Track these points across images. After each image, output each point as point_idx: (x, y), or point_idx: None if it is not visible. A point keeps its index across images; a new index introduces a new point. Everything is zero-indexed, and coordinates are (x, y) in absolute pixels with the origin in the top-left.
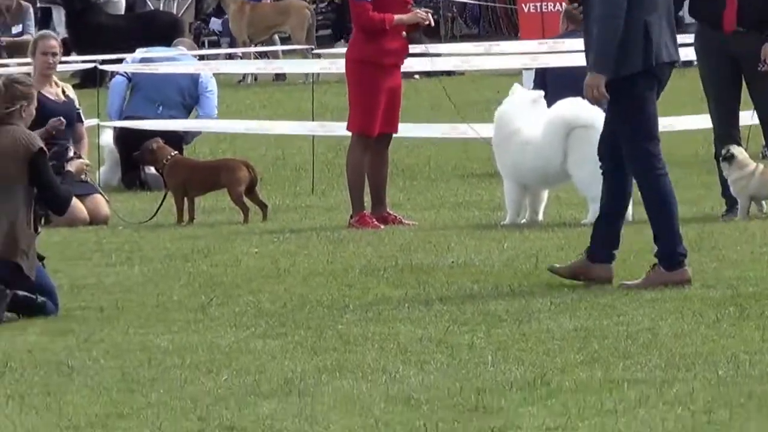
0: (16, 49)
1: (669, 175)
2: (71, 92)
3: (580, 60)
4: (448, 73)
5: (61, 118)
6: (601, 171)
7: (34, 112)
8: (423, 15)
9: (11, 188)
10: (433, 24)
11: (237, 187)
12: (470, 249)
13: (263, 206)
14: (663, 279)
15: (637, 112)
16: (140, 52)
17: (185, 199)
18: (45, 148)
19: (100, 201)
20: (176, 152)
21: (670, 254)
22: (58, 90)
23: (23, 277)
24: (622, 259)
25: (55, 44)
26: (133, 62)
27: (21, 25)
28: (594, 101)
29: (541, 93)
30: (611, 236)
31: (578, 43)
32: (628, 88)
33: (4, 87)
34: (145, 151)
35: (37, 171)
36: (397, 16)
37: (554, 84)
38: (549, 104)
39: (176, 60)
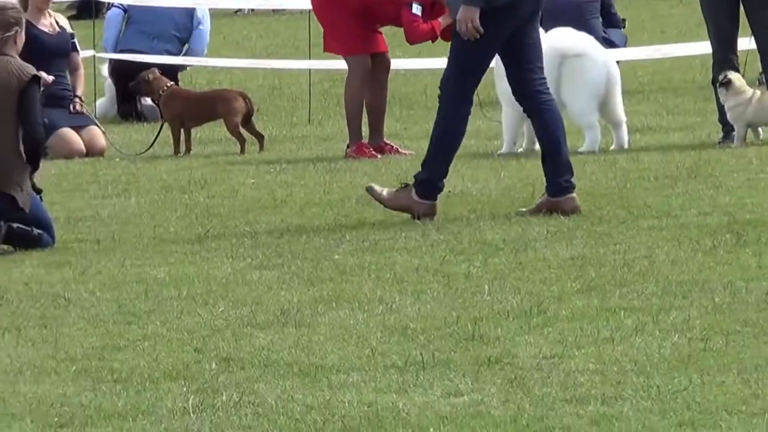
0: None
1: (467, 121)
2: (64, 22)
3: None
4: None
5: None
6: (526, 114)
7: (24, 37)
8: None
9: (4, 118)
10: None
11: (233, 117)
12: (467, 178)
13: (260, 137)
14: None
15: (480, 47)
16: None
17: (182, 129)
18: (38, 75)
19: (96, 132)
20: (172, 83)
21: (427, 184)
22: (51, 20)
23: (18, 209)
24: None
25: None
26: None
27: None
28: (467, 35)
29: None
30: (562, 167)
31: None
32: (487, 21)
33: None
34: (140, 82)
35: (23, 99)
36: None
37: (548, 10)
38: (544, 29)
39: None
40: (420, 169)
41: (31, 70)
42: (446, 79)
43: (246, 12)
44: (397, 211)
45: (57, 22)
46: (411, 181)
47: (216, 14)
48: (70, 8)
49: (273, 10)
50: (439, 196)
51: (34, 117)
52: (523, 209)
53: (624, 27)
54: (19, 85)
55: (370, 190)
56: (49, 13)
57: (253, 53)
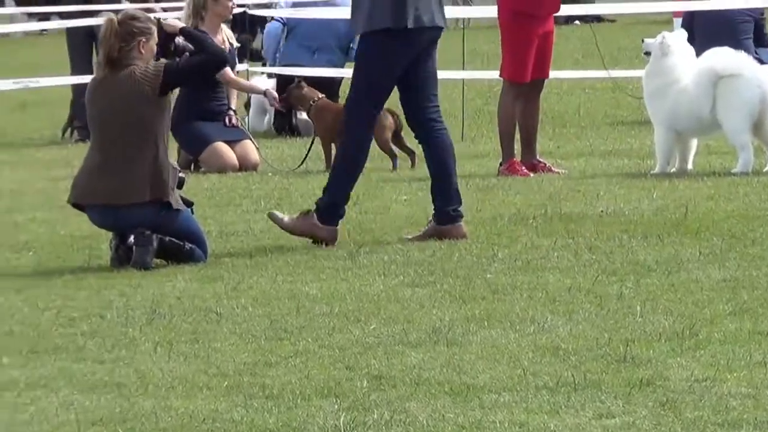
0: None
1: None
2: (233, 40)
3: (728, 5)
4: (598, 20)
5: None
6: (417, 140)
7: (155, 47)
8: None
9: (147, 130)
10: None
11: (383, 134)
12: (619, 198)
13: (411, 153)
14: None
15: (380, 74)
16: None
17: (333, 144)
18: (166, 61)
19: (249, 147)
20: (323, 96)
21: (329, 208)
22: (223, 36)
23: (172, 218)
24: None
25: None
26: (286, 6)
27: None
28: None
29: (684, 34)
30: (451, 196)
31: None
32: (380, 45)
33: (119, 24)
34: (289, 95)
35: (175, 76)
36: None
37: (702, 30)
38: (696, 50)
39: (331, 4)
40: (322, 193)
41: (160, 63)
42: (350, 103)
43: None
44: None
45: (228, 38)
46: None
47: None
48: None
49: None
50: (340, 221)
51: (192, 65)
52: (409, 236)
53: None
54: (153, 88)
55: (271, 216)
56: (222, 27)
57: None
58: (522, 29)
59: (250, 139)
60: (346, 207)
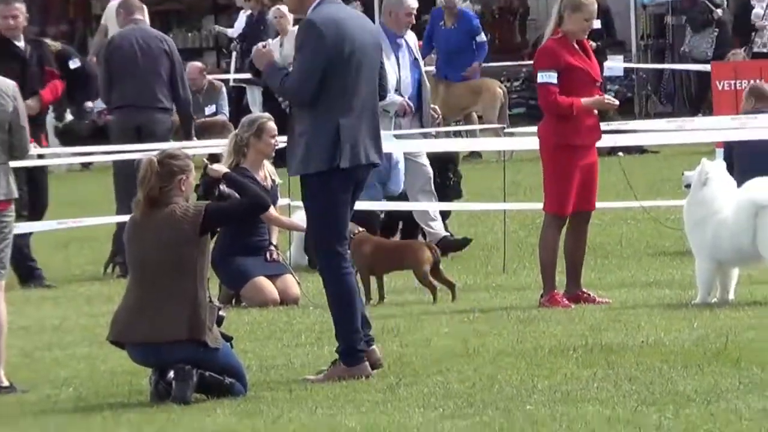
0: (206, 129)
1: (353, 275)
2: (276, 176)
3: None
4: (641, 152)
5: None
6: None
7: (193, 182)
8: (609, 99)
9: (187, 269)
10: (617, 104)
11: (422, 267)
12: (660, 328)
13: (451, 285)
14: (343, 374)
15: (325, 211)
16: None
17: (373, 277)
18: (207, 202)
19: (290, 281)
20: (362, 229)
21: (349, 351)
22: (265, 172)
23: (211, 354)
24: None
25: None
26: None
27: (214, 105)
28: None
29: (723, 164)
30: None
31: None
32: (319, 185)
33: (159, 164)
34: None
35: (215, 220)
36: (584, 100)
37: (742, 160)
38: (737, 180)
39: None
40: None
41: (200, 204)
42: (315, 245)
43: None
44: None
45: (270, 174)
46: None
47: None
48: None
49: (468, 155)
50: (369, 348)
51: (232, 210)
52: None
53: None
54: (194, 226)
55: (306, 381)
56: (264, 163)
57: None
58: (563, 161)
59: (291, 273)
60: (366, 334)
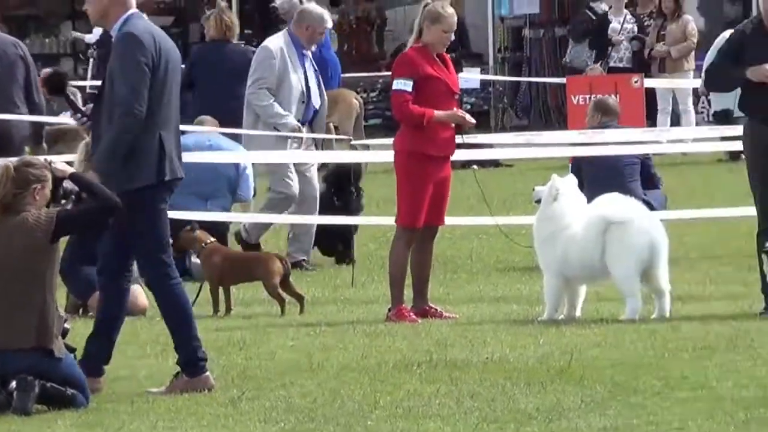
0: (59, 137)
1: (181, 284)
2: None
3: (617, 151)
4: (496, 165)
5: None
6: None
7: (49, 193)
8: (462, 114)
9: (37, 276)
10: (474, 123)
11: (271, 279)
12: (505, 344)
13: (300, 298)
14: (186, 386)
15: (151, 224)
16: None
17: (220, 288)
18: (58, 209)
19: (138, 292)
20: (214, 240)
21: (190, 361)
22: None
23: (55, 364)
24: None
25: None
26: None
27: (69, 111)
28: None
29: (574, 179)
30: (107, 348)
31: (617, 135)
32: (141, 200)
33: (15, 170)
34: (181, 237)
35: (68, 226)
36: (436, 113)
37: (590, 175)
38: (586, 195)
39: (213, 146)
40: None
41: (52, 211)
42: (143, 259)
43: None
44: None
45: None
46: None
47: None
48: None
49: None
50: (206, 365)
51: (83, 212)
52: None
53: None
54: (46, 234)
55: (149, 393)
56: None
57: None
58: (417, 172)
59: (139, 283)
60: (204, 350)
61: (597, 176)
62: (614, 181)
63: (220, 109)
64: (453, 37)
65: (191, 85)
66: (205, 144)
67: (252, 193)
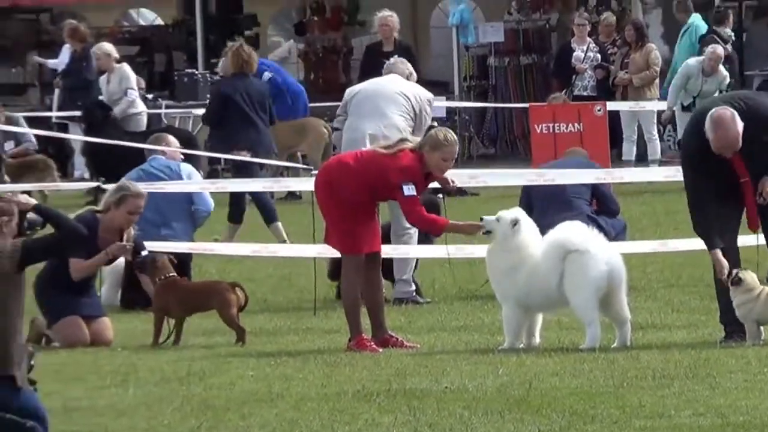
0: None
1: None
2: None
3: (564, 180)
4: (462, 193)
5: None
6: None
7: (15, 228)
8: (475, 225)
9: (2, 306)
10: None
11: (229, 309)
12: (465, 374)
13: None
14: None
15: None
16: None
17: (169, 320)
18: (23, 239)
19: (106, 324)
20: (173, 275)
21: None
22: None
23: (16, 394)
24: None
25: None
26: (128, 178)
27: (12, 141)
28: None
29: (521, 211)
30: None
31: (566, 163)
32: None
33: None
34: (146, 262)
35: (30, 254)
36: (452, 223)
37: (538, 203)
38: (535, 221)
39: (174, 171)
40: None
41: (17, 242)
42: None
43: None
44: None
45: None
46: None
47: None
48: (88, 194)
49: (287, 195)
50: None
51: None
52: None
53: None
54: (12, 262)
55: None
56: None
57: (267, 240)
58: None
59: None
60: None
61: (545, 204)
62: (561, 206)
63: (248, 139)
64: (451, 165)
65: (220, 121)
66: (169, 169)
67: (211, 204)
